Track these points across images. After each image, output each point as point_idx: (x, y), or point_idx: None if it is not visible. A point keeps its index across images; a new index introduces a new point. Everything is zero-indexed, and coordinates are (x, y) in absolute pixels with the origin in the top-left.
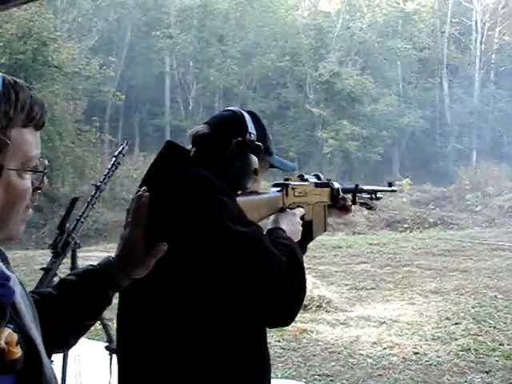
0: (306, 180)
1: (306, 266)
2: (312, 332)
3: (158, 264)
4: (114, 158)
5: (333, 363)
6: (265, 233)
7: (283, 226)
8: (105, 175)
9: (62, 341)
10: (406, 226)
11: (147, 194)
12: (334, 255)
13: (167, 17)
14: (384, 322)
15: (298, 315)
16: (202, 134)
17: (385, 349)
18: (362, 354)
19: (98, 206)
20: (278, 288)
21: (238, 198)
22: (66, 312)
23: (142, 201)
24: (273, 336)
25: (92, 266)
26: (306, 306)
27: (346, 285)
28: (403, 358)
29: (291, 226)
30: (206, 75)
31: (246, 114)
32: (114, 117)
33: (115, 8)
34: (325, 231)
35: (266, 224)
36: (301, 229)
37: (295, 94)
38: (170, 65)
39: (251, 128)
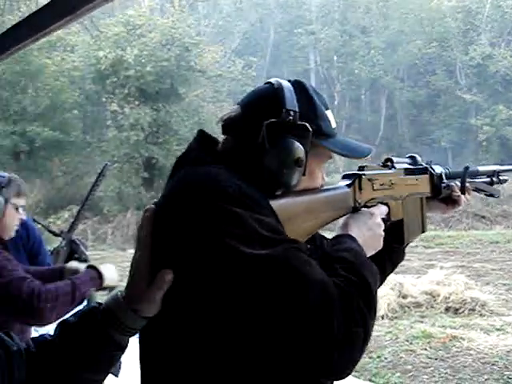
0: (392, 166)
1: (457, 263)
2: (463, 339)
3: (166, 298)
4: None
5: (486, 376)
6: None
7: (353, 233)
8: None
9: None
10: None
11: (152, 206)
12: (491, 251)
13: (309, 13)
14: None
15: (448, 320)
16: (230, 119)
17: None
18: None
19: None
20: (316, 330)
21: (280, 201)
22: (65, 363)
23: (145, 217)
24: (418, 343)
25: (98, 303)
26: (457, 310)
27: (504, 285)
28: None
29: (366, 231)
30: (351, 68)
31: (285, 86)
32: None
33: (256, 9)
34: (423, 232)
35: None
36: (382, 234)
37: (445, 81)
38: (314, 61)
39: (291, 103)
